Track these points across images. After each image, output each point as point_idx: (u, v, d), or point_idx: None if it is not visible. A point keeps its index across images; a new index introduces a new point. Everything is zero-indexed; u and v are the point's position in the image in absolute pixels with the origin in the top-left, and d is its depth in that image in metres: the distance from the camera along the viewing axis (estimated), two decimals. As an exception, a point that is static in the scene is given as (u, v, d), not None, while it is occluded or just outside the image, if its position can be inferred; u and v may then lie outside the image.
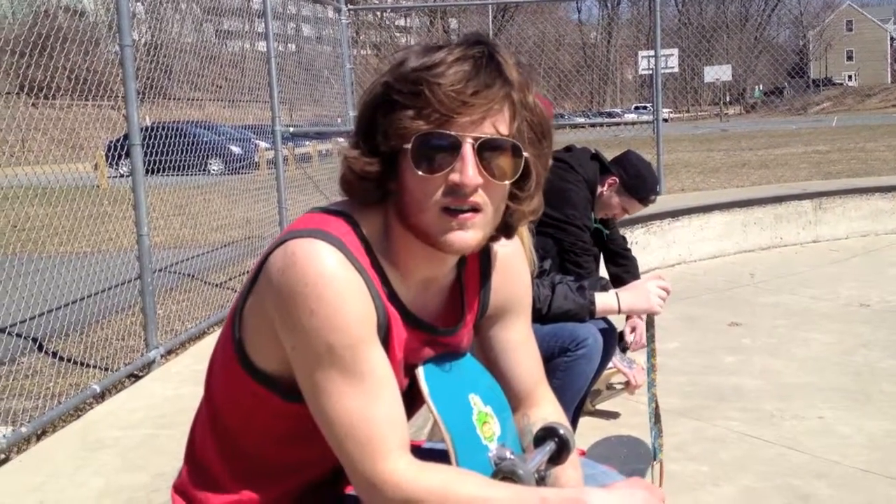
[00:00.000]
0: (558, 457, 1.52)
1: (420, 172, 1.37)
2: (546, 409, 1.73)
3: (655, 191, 4.14)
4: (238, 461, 1.57)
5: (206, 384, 1.63)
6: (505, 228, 1.51)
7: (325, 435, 1.41)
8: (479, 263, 1.64)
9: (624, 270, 4.38)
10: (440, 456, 1.53)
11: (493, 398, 1.63)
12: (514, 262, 1.70)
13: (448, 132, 1.36)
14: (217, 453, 1.59)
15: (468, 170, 1.36)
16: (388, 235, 1.47)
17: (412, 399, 1.55)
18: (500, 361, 1.72)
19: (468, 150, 1.36)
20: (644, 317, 3.33)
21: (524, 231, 2.38)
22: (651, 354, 2.95)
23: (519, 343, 1.72)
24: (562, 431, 1.52)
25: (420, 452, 1.55)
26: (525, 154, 1.41)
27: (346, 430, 1.38)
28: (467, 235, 1.40)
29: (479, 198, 1.39)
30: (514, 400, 1.72)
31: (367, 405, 1.38)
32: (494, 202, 1.42)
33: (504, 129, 1.39)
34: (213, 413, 1.60)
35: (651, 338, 2.97)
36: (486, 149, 1.37)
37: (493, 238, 1.51)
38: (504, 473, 1.42)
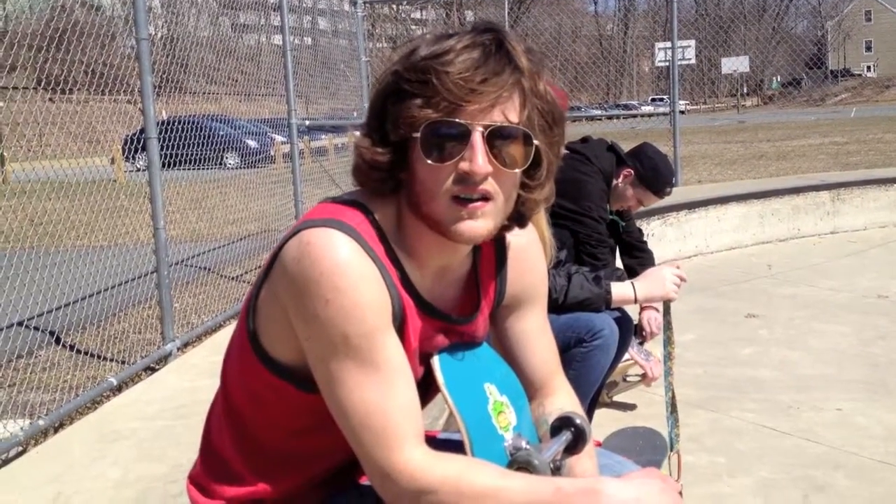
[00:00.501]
0: (574, 447, 1.52)
1: (429, 161, 1.37)
2: (562, 399, 1.72)
3: (671, 183, 4.12)
4: (253, 452, 1.58)
5: (222, 375, 1.64)
6: (518, 217, 1.50)
7: (339, 425, 1.41)
8: (495, 252, 1.64)
9: (639, 263, 4.36)
10: (455, 446, 1.52)
11: (509, 388, 1.63)
12: (530, 252, 1.70)
13: (457, 120, 1.35)
14: (232, 444, 1.59)
15: (478, 158, 1.35)
16: (401, 224, 1.47)
17: (427, 388, 1.54)
18: (515, 351, 1.72)
19: (477, 138, 1.36)
20: (660, 306, 3.31)
21: (543, 221, 2.37)
22: (668, 342, 2.93)
23: (535, 333, 1.72)
24: (578, 421, 1.52)
25: (435, 443, 1.55)
26: (536, 142, 1.41)
27: (360, 419, 1.37)
28: (477, 224, 1.40)
29: (490, 186, 1.38)
30: (530, 389, 1.71)
31: (382, 395, 1.37)
32: (505, 190, 1.41)
33: (514, 117, 1.38)
34: (229, 404, 1.60)
35: (668, 325, 2.95)
36: (495, 137, 1.37)
37: (507, 227, 1.50)
38: (519, 463, 1.42)
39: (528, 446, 1.46)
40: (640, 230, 4.54)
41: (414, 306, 1.48)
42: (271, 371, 1.49)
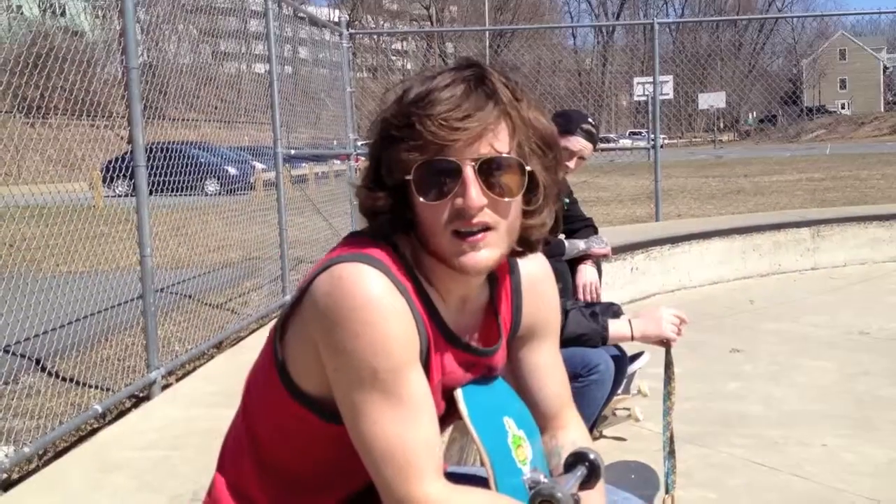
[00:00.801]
0: (588, 481, 1.52)
1: (424, 200, 1.40)
2: (574, 433, 1.74)
3: (585, 119, 4.07)
4: (272, 477, 1.58)
5: (244, 404, 1.64)
6: (525, 243, 1.52)
7: (361, 456, 1.42)
8: (511, 282, 1.66)
9: (584, 227, 4.45)
10: (464, 479, 1.55)
11: (525, 422, 1.64)
12: (546, 285, 1.72)
13: (446, 157, 1.38)
14: (253, 470, 1.59)
15: (471, 192, 1.38)
16: (418, 259, 1.49)
17: (441, 422, 1.55)
18: (529, 383, 1.73)
19: (469, 172, 1.38)
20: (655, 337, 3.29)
21: None
22: (668, 382, 2.93)
23: (547, 365, 1.74)
24: (592, 456, 1.52)
25: (445, 476, 1.55)
26: (529, 168, 1.43)
27: (382, 453, 1.38)
28: (480, 256, 1.42)
29: (488, 217, 1.41)
30: (541, 421, 1.73)
31: (405, 429, 1.39)
32: (506, 219, 1.43)
33: (503, 147, 1.40)
34: (250, 429, 1.61)
35: (668, 365, 2.96)
36: (487, 168, 1.39)
37: (519, 254, 1.54)
38: (543, 497, 1.42)
39: (545, 480, 1.47)
40: (586, 216, 4.58)
41: (442, 339, 1.50)
42: (298, 401, 1.50)
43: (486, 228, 1.41)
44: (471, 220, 1.39)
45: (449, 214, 1.40)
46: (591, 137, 4.05)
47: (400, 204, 1.44)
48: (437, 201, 1.40)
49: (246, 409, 1.63)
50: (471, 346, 1.56)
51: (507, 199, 1.41)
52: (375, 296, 1.37)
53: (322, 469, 1.56)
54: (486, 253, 1.42)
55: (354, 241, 1.48)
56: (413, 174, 1.39)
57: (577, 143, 4.01)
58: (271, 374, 1.52)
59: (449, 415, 1.59)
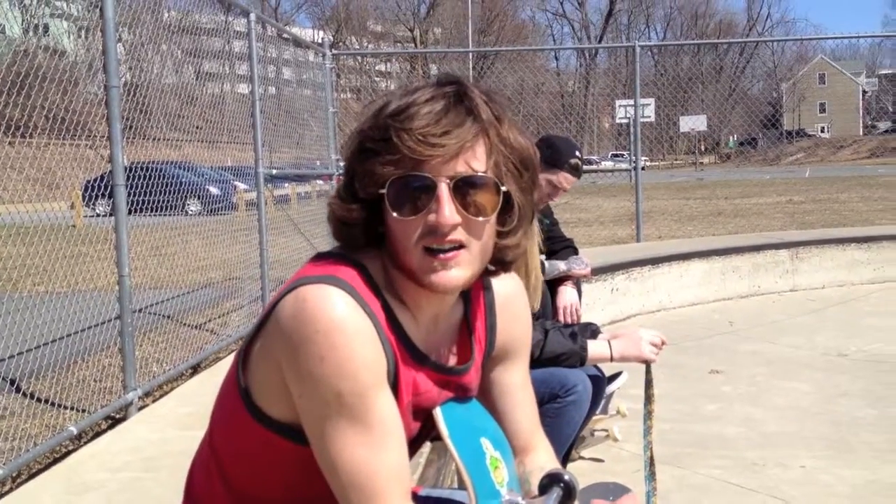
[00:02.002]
0: (564, 502, 1.51)
1: (397, 215, 1.38)
2: (542, 457, 1.72)
3: (573, 154, 4.00)
4: (243, 502, 1.55)
5: (210, 427, 1.61)
6: (499, 263, 1.51)
7: (328, 480, 1.39)
8: (485, 300, 1.64)
9: (563, 248, 4.45)
10: (437, 503, 1.52)
11: (500, 443, 1.63)
12: (518, 304, 1.71)
13: (421, 174, 1.37)
14: (223, 495, 1.57)
15: (444, 209, 1.36)
16: (388, 277, 1.47)
17: (414, 442, 1.54)
18: (499, 405, 1.71)
19: (443, 189, 1.36)
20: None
21: (536, 261, 2.38)
22: (648, 402, 2.94)
23: (518, 387, 1.72)
24: (567, 477, 1.52)
25: (417, 500, 1.54)
26: (503, 188, 1.41)
27: (349, 478, 1.36)
28: (451, 274, 1.40)
29: (461, 235, 1.39)
30: (512, 444, 1.71)
31: (372, 455, 1.36)
32: (479, 238, 1.42)
33: (479, 166, 1.39)
34: (218, 456, 1.58)
35: (648, 384, 2.97)
36: (462, 186, 1.38)
37: (493, 273, 1.53)
38: None
39: (523, 502, 1.46)
40: (567, 237, 4.58)
41: (410, 359, 1.47)
42: (264, 426, 1.47)
43: (459, 247, 1.39)
44: (443, 238, 1.38)
45: (421, 231, 1.38)
46: (577, 171, 4.03)
47: (372, 217, 1.43)
48: (410, 217, 1.38)
49: (212, 435, 1.60)
50: (442, 365, 1.54)
51: (480, 219, 1.40)
52: (339, 318, 1.34)
53: (291, 493, 1.53)
54: (457, 272, 1.41)
55: (321, 262, 1.46)
56: (387, 188, 1.37)
57: (563, 179, 3.96)
58: (236, 399, 1.49)
59: (423, 435, 1.57)
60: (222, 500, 1.57)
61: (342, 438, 1.36)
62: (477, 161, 1.38)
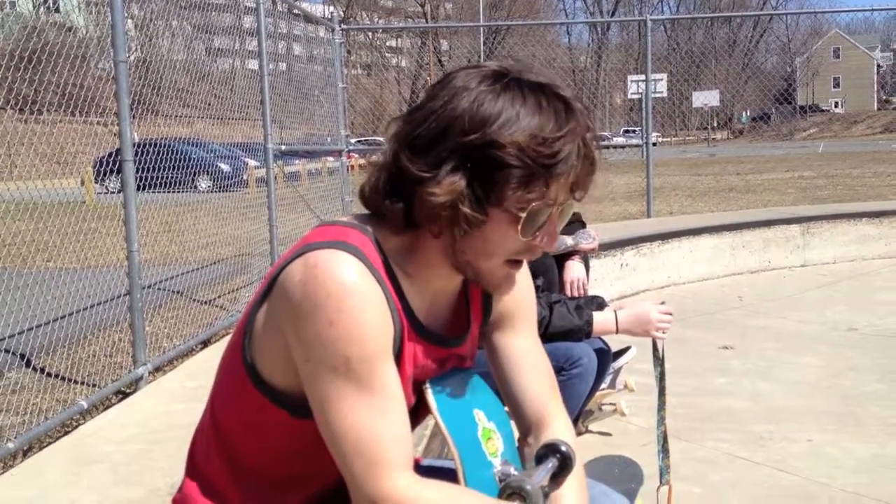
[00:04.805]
0: (559, 473, 1.50)
1: (523, 238, 1.39)
2: (559, 432, 1.67)
3: None
4: (241, 475, 1.56)
5: (211, 398, 1.62)
6: None
7: (330, 449, 1.39)
8: None
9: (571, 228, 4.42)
10: (438, 473, 1.53)
11: (496, 414, 1.62)
12: None
13: (550, 204, 1.37)
14: (221, 467, 1.57)
15: (556, 234, 1.41)
16: (413, 253, 1.46)
17: (414, 415, 1.53)
18: (507, 372, 1.70)
19: (556, 215, 1.40)
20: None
21: None
22: (661, 377, 2.94)
23: (525, 352, 1.71)
24: (563, 448, 1.50)
25: (418, 469, 1.54)
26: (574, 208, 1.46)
27: (353, 445, 1.36)
28: (516, 279, 1.48)
29: None
30: (527, 417, 1.70)
31: (376, 422, 1.36)
32: None
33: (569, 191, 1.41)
34: (218, 426, 1.58)
35: (660, 360, 2.97)
36: (563, 210, 1.42)
37: None
38: (512, 489, 1.40)
39: (516, 472, 1.46)
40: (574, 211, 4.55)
41: (413, 331, 1.47)
42: (265, 395, 1.47)
43: None
44: (537, 254, 1.42)
45: (521, 247, 1.40)
46: None
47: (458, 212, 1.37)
48: (525, 238, 1.39)
49: (214, 406, 1.60)
50: (441, 336, 1.54)
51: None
52: (351, 282, 1.34)
53: (292, 465, 1.53)
54: (517, 274, 1.47)
55: (329, 230, 1.45)
56: (527, 213, 1.36)
57: None
58: (239, 368, 1.49)
59: (420, 410, 1.57)
60: (220, 471, 1.58)
61: (347, 403, 1.36)
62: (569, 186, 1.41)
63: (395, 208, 1.41)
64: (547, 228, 1.39)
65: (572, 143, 1.35)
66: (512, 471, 1.47)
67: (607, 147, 18.11)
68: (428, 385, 1.53)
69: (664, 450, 2.92)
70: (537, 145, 1.33)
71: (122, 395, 4.60)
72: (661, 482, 2.91)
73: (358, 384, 1.35)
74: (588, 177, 1.39)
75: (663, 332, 3.13)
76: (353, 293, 1.34)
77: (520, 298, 1.70)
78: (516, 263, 1.43)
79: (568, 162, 1.34)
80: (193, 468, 1.64)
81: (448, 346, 1.57)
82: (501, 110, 1.34)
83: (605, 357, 3.55)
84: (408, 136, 1.40)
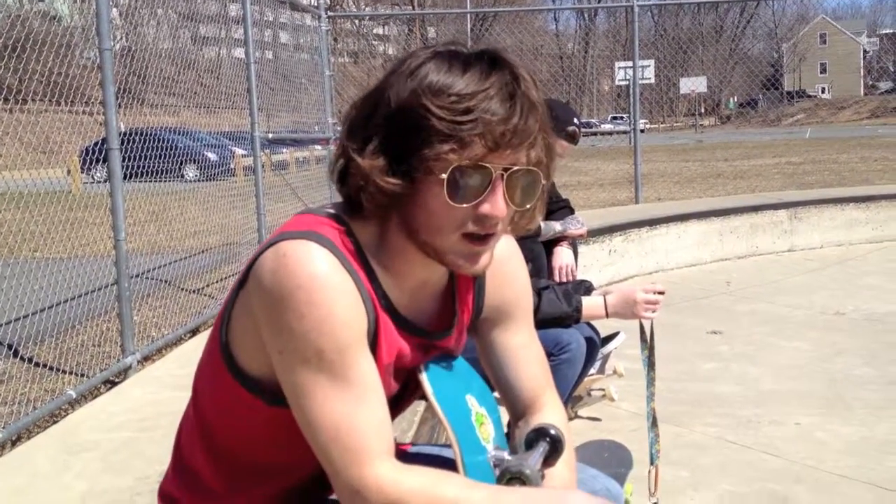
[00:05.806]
0: (550, 457, 1.51)
1: (452, 203, 1.35)
2: (550, 417, 1.67)
3: (571, 122, 3.98)
4: (225, 464, 1.56)
5: (194, 386, 1.61)
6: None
7: (308, 439, 1.38)
8: None
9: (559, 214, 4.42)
10: (426, 460, 1.54)
11: (486, 399, 1.63)
12: (511, 265, 1.68)
13: (486, 165, 1.34)
14: (203, 456, 1.57)
15: (499, 202, 1.36)
16: (385, 242, 1.45)
17: (397, 402, 1.53)
18: (501, 366, 1.70)
19: (500, 182, 1.36)
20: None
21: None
22: (649, 361, 2.95)
23: (519, 348, 1.70)
24: (553, 432, 1.50)
25: (406, 456, 1.54)
26: (544, 181, 1.42)
27: (330, 435, 1.35)
28: (483, 259, 1.42)
29: (501, 224, 1.39)
30: (518, 405, 1.70)
31: (352, 411, 1.36)
32: (507, 223, 1.42)
33: (532, 158, 1.38)
34: (200, 415, 1.58)
35: (648, 344, 2.98)
36: (514, 179, 1.37)
37: None
38: (512, 474, 1.41)
39: (509, 457, 1.46)
40: (563, 198, 4.55)
41: (390, 322, 1.46)
42: (242, 384, 1.46)
43: (493, 233, 1.40)
44: (490, 227, 1.37)
45: (468, 218, 1.36)
46: (574, 139, 4.00)
47: (406, 191, 1.37)
48: (463, 205, 1.35)
49: (196, 395, 1.60)
50: (423, 329, 1.53)
51: (522, 209, 1.41)
52: (321, 274, 1.33)
53: (269, 453, 1.53)
54: (487, 256, 1.42)
55: (304, 219, 1.44)
56: (448, 175, 1.33)
57: (559, 146, 3.93)
58: (217, 357, 1.49)
59: (406, 396, 1.57)
60: (202, 459, 1.58)
61: (322, 394, 1.35)
62: (528, 155, 1.37)
63: (343, 193, 1.42)
64: (489, 196, 1.35)
65: (487, 102, 1.32)
66: (505, 456, 1.47)
67: (594, 134, 18.11)
68: (423, 371, 1.53)
69: (654, 432, 2.94)
70: (450, 103, 1.32)
71: (111, 384, 4.59)
72: (651, 464, 2.93)
73: (332, 375, 1.35)
74: (517, 139, 1.34)
75: (652, 312, 3.13)
76: (324, 285, 1.33)
77: (515, 294, 1.69)
78: (477, 240, 1.38)
79: (482, 120, 1.31)
80: (178, 458, 1.64)
81: (431, 339, 1.56)
82: (420, 77, 1.35)
83: (594, 343, 3.55)
84: (347, 118, 1.43)
